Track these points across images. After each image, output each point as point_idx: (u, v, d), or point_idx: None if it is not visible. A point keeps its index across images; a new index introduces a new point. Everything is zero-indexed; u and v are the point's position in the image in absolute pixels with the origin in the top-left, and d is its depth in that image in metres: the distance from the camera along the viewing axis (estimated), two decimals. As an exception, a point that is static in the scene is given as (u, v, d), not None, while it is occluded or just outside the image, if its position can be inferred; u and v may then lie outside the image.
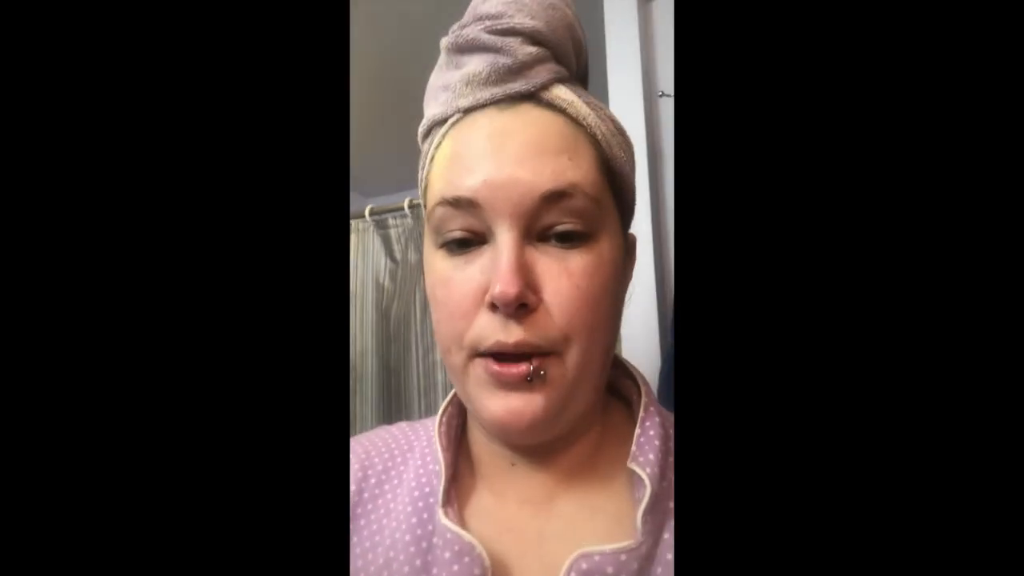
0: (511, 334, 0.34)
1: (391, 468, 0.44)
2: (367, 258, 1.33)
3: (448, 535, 0.36)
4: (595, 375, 0.38)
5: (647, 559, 0.34)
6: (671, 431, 0.40)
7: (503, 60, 0.36)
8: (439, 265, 0.37)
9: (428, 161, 0.40)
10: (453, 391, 0.44)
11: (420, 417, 1.22)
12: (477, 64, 0.37)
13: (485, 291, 0.34)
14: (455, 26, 0.39)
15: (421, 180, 0.42)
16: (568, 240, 0.35)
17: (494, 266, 0.34)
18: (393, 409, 1.23)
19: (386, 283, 1.30)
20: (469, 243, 0.36)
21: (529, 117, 0.36)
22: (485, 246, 0.36)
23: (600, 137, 0.38)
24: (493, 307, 0.34)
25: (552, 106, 0.37)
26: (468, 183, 0.35)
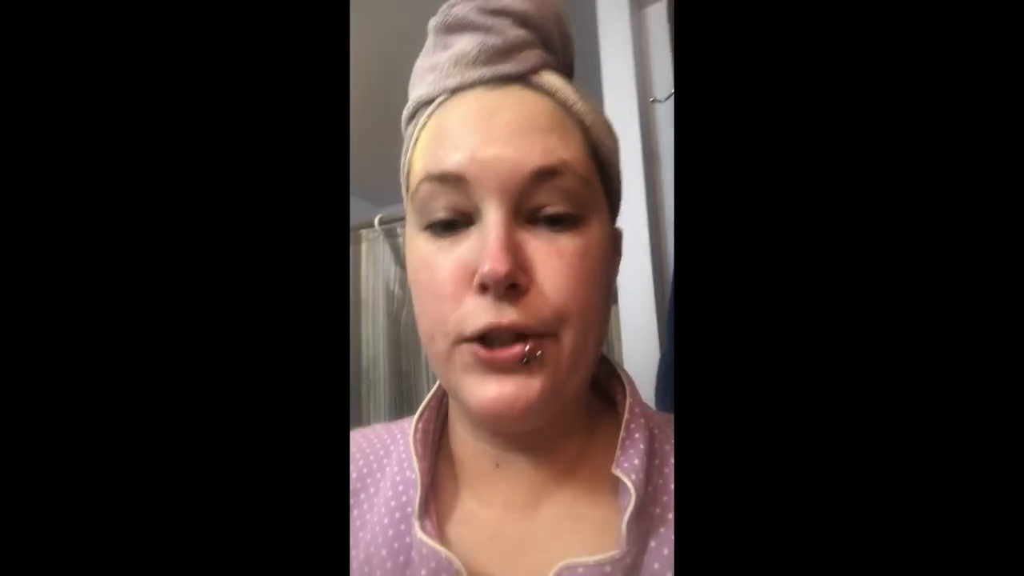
0: (504, 315, 0.32)
1: (367, 476, 0.41)
2: (377, 266, 1.37)
3: (424, 550, 0.34)
4: (588, 360, 0.36)
5: (632, 569, 0.33)
6: (656, 432, 0.39)
7: (492, 40, 0.35)
8: (422, 248, 0.35)
9: (412, 143, 0.38)
10: (431, 394, 0.42)
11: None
12: (466, 44, 0.36)
13: (472, 273, 0.32)
14: (444, 6, 0.38)
15: (404, 164, 0.40)
16: (558, 223, 0.34)
17: (482, 245, 0.32)
18: (405, 413, 1.26)
19: (396, 290, 1.34)
20: (455, 225, 0.34)
21: (518, 97, 0.35)
22: (472, 227, 0.34)
23: (588, 123, 0.37)
24: (482, 289, 0.32)
25: (541, 89, 0.36)
26: (454, 158, 0.33)
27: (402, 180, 0.40)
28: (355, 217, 1.42)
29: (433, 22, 0.38)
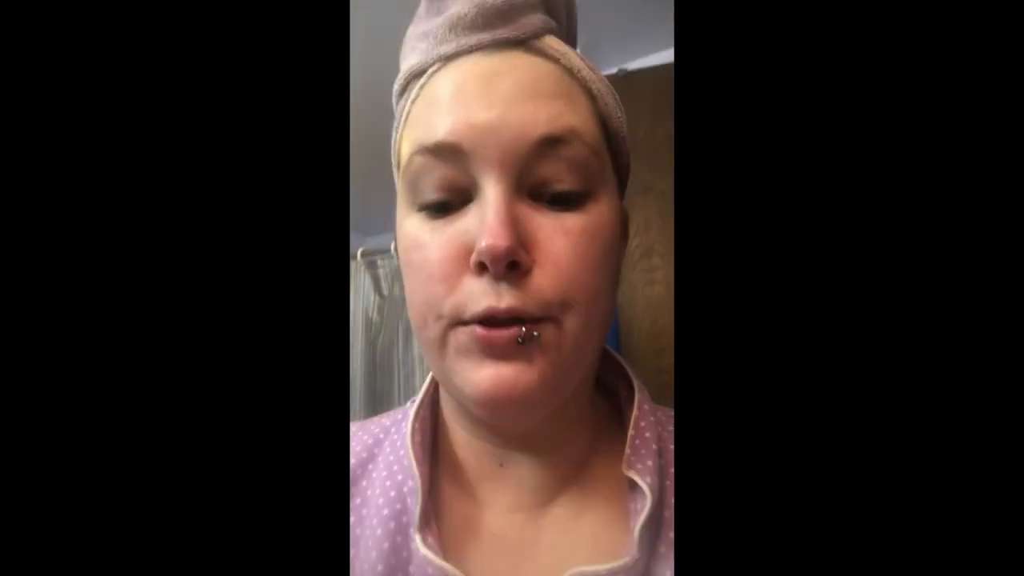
0: (502, 298, 0.29)
1: (351, 485, 0.38)
2: (358, 294, 1.47)
3: (429, 570, 0.31)
4: (593, 349, 0.33)
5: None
6: (660, 429, 0.36)
7: (491, 1, 0.32)
8: (415, 228, 0.32)
9: (403, 118, 0.35)
10: (423, 391, 0.39)
11: None
12: (462, 6, 0.33)
13: (469, 253, 0.29)
14: None
15: (394, 142, 0.36)
16: (564, 201, 0.31)
17: (480, 222, 0.29)
18: (377, 431, 1.36)
19: (374, 316, 1.44)
20: (450, 206, 0.31)
21: (520, 61, 0.32)
22: (469, 206, 0.31)
23: (596, 92, 0.34)
24: (480, 268, 0.29)
25: (544, 54, 0.33)
26: (449, 125, 0.30)
27: (393, 160, 0.37)
28: (340, 248, 1.54)
29: None
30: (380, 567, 0.33)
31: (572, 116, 0.31)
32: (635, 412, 0.36)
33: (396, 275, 1.42)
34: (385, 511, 0.34)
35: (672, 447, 0.36)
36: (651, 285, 1.00)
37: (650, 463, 0.33)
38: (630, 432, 0.35)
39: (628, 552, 0.31)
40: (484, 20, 0.32)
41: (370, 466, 0.38)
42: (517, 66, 0.32)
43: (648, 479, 0.32)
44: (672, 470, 0.35)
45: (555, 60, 0.33)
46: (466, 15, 0.32)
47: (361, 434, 0.41)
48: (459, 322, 0.30)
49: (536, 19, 0.33)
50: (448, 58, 0.33)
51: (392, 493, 0.35)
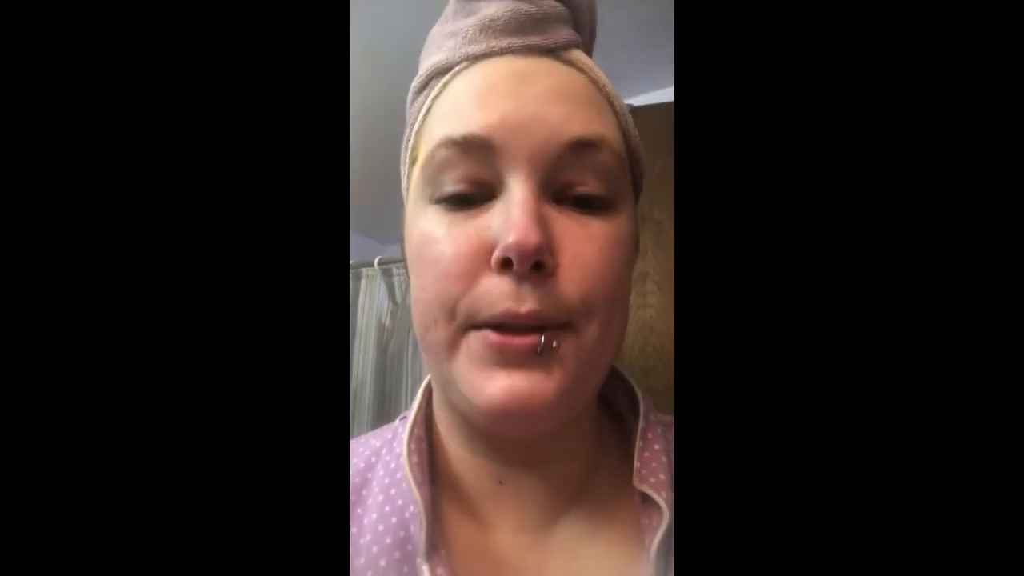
0: (523, 301, 0.28)
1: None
2: (373, 300, 1.56)
3: None
4: (607, 360, 0.32)
5: None
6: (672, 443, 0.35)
7: (526, 7, 0.32)
8: (432, 221, 0.31)
9: (422, 115, 0.34)
10: (415, 408, 0.37)
11: None
12: (496, 9, 0.33)
13: (489, 251, 0.28)
14: None
15: (409, 139, 0.36)
16: (589, 206, 0.30)
17: (504, 219, 0.28)
18: (384, 432, 1.44)
19: (387, 322, 1.52)
20: (471, 199, 0.30)
21: (551, 67, 0.32)
22: (492, 202, 0.30)
23: (618, 108, 0.34)
24: (502, 266, 0.28)
25: (573, 65, 0.33)
26: (482, 120, 0.30)
27: (404, 157, 0.36)
28: (361, 255, 1.63)
29: None
30: None
31: (602, 124, 0.31)
32: (641, 423, 0.35)
33: (409, 284, 1.50)
34: (388, 540, 0.32)
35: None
36: (644, 308, 1.07)
37: (663, 476, 0.32)
38: (638, 444, 0.34)
39: (644, 569, 0.30)
40: (517, 25, 0.32)
41: (364, 492, 0.36)
42: (550, 71, 0.32)
43: (663, 493, 0.32)
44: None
45: (583, 72, 0.33)
46: (499, 18, 0.32)
47: (351, 457, 0.39)
48: (472, 325, 0.29)
49: (565, 31, 0.34)
50: (476, 58, 0.33)
51: (393, 520, 0.33)
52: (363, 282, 1.59)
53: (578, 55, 0.34)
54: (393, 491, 0.34)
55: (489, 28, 0.32)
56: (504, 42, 0.32)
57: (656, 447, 0.34)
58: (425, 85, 0.35)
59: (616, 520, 0.34)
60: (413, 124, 0.35)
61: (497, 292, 0.28)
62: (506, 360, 0.28)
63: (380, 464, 0.37)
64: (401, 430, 0.37)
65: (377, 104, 1.57)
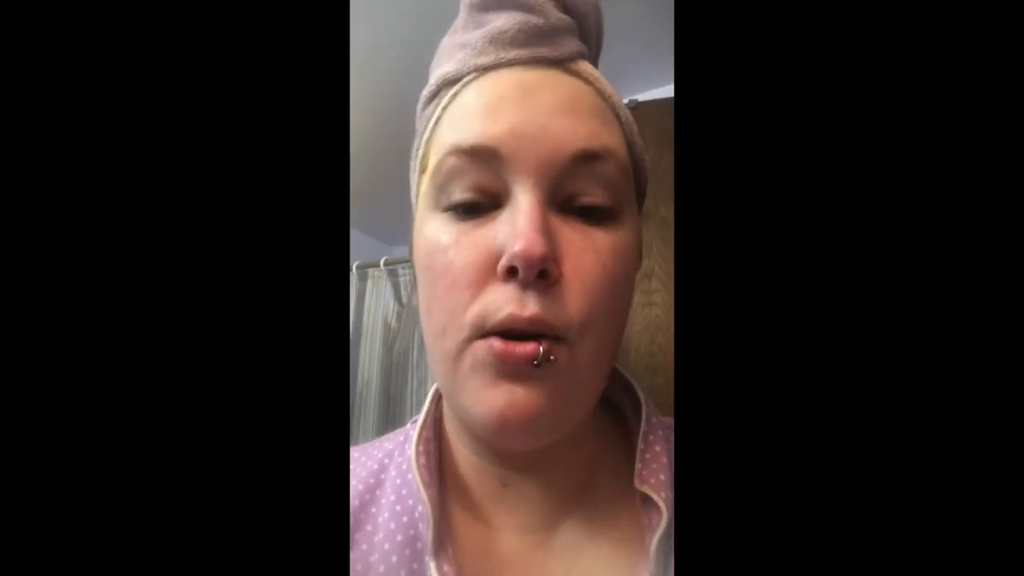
0: (526, 307, 0.28)
1: (359, 511, 0.36)
2: (379, 300, 1.56)
3: None
4: (603, 374, 0.33)
5: None
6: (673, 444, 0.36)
7: (534, 20, 0.33)
8: (441, 230, 0.31)
9: (431, 124, 0.35)
10: (425, 411, 0.39)
11: None
12: (504, 21, 0.33)
13: (496, 260, 0.29)
14: None
15: (418, 147, 0.36)
16: (593, 216, 0.31)
17: (510, 228, 0.29)
18: (392, 430, 1.44)
19: (392, 322, 1.53)
20: (478, 208, 0.31)
21: (558, 79, 0.33)
22: (499, 211, 0.31)
23: (624, 118, 0.35)
24: (508, 274, 0.29)
25: (580, 76, 0.34)
26: (491, 130, 0.30)
27: (413, 165, 0.37)
28: (367, 255, 1.63)
29: None
30: None
31: (607, 136, 0.32)
32: (643, 425, 0.36)
33: (415, 285, 1.50)
34: (399, 537, 0.34)
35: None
36: (649, 307, 1.06)
37: (663, 477, 0.33)
38: (639, 446, 0.35)
39: (645, 569, 0.31)
40: (525, 37, 0.33)
41: (378, 492, 0.37)
42: (557, 83, 0.33)
43: (663, 493, 0.32)
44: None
45: (590, 83, 0.34)
46: (508, 30, 0.33)
47: (364, 459, 0.40)
48: (480, 334, 0.30)
49: (572, 43, 0.34)
50: (486, 69, 0.33)
51: (404, 519, 0.34)
52: (369, 283, 1.59)
53: (584, 66, 0.34)
54: (404, 491, 0.36)
55: (498, 40, 0.33)
56: (512, 54, 0.33)
57: (657, 448, 0.35)
58: (435, 95, 0.35)
59: (619, 521, 0.34)
60: (423, 133, 0.36)
61: (502, 299, 0.29)
62: (507, 371, 0.29)
63: (392, 466, 0.38)
64: (412, 433, 0.38)
65: (383, 107, 1.57)
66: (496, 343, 0.29)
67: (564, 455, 0.35)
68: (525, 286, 0.29)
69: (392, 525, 0.34)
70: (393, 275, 1.56)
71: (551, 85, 0.32)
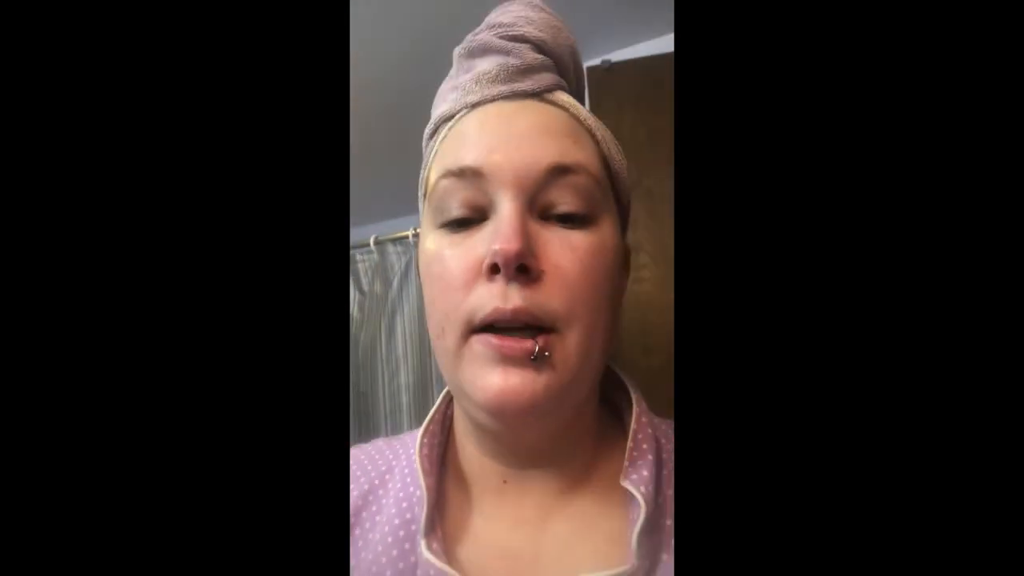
0: (509, 300, 0.32)
1: (368, 494, 0.41)
2: (337, 290, 1.44)
3: (432, 572, 0.34)
4: (594, 366, 0.36)
5: None
6: (664, 441, 0.38)
7: (513, 61, 0.38)
8: (437, 243, 0.36)
9: (432, 156, 0.40)
10: (435, 409, 0.42)
11: (387, 435, 1.31)
12: (488, 64, 0.39)
13: (482, 263, 0.33)
14: (468, 36, 0.41)
15: (423, 177, 0.41)
16: (570, 221, 0.35)
17: (492, 232, 0.33)
18: (362, 429, 1.34)
19: (355, 313, 1.41)
20: (469, 222, 0.35)
21: (535, 108, 0.37)
22: (486, 222, 0.35)
23: (600, 137, 0.39)
24: (492, 272, 0.33)
25: (555, 104, 0.38)
26: (473, 154, 0.35)
27: (420, 194, 0.42)
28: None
29: (458, 49, 0.41)
30: (389, 572, 0.35)
31: (579, 152, 0.36)
32: (633, 425, 0.38)
33: (376, 271, 1.39)
34: (396, 520, 0.38)
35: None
36: (639, 283, 1.00)
37: (645, 473, 0.35)
38: (628, 444, 0.37)
39: (629, 560, 0.33)
40: (506, 76, 0.38)
41: (387, 477, 0.42)
42: (534, 110, 0.37)
43: (642, 488, 0.34)
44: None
45: (564, 109, 0.39)
46: (490, 71, 0.38)
47: (384, 448, 0.45)
48: (472, 329, 0.33)
49: (549, 77, 0.39)
50: (474, 105, 0.39)
51: (404, 504, 0.38)
52: (324, 271, 1.47)
53: (560, 96, 0.39)
54: (409, 479, 0.39)
55: (483, 80, 0.38)
56: (495, 90, 0.38)
57: (644, 446, 0.37)
58: (435, 131, 0.41)
59: (611, 516, 0.36)
60: (426, 164, 0.41)
61: (487, 295, 0.32)
62: (503, 360, 0.32)
63: (404, 456, 0.42)
64: (422, 427, 0.41)
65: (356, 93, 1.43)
66: (492, 339, 0.32)
67: (564, 453, 0.38)
68: (508, 281, 0.32)
69: (393, 510, 0.38)
70: (352, 261, 1.44)
71: (527, 112, 0.37)
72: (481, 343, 0.33)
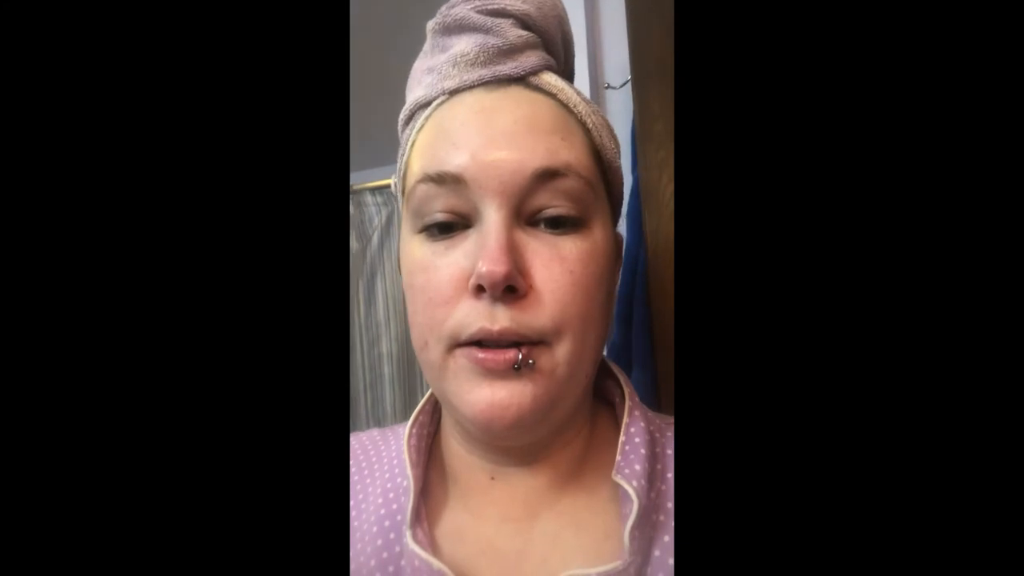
0: (496, 320, 0.31)
1: (356, 483, 0.40)
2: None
3: (416, 562, 0.33)
4: (585, 372, 0.35)
5: None
6: (658, 436, 0.37)
7: (493, 41, 0.34)
8: (418, 251, 0.34)
9: (408, 146, 0.37)
10: (425, 399, 0.41)
11: (366, 410, 1.24)
12: (465, 44, 0.35)
13: (468, 278, 0.31)
14: (442, 8, 0.36)
15: (400, 168, 0.39)
16: (560, 226, 0.33)
17: (480, 248, 0.31)
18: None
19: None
20: (452, 227, 0.33)
21: (519, 97, 0.34)
22: (469, 230, 0.33)
23: (591, 125, 0.36)
24: (478, 291, 0.31)
25: (542, 90, 0.35)
26: (454, 159, 0.32)
27: (396, 183, 0.40)
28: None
29: (431, 24, 0.37)
30: (373, 562, 0.35)
31: (568, 151, 0.33)
32: (625, 419, 0.37)
33: (352, 225, 1.24)
34: (383, 510, 0.37)
35: (670, 452, 0.36)
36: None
37: (637, 467, 0.34)
38: (620, 438, 0.36)
39: (621, 556, 0.32)
40: (486, 58, 0.35)
41: (376, 466, 0.41)
42: (517, 102, 0.34)
43: (635, 483, 0.33)
44: (669, 475, 0.35)
45: (552, 95, 0.35)
46: (468, 53, 0.35)
47: (376, 437, 0.44)
48: (457, 344, 0.32)
49: (535, 57, 0.36)
50: (452, 92, 0.35)
51: (391, 494, 0.37)
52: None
53: (548, 78, 0.36)
54: (397, 470, 0.39)
55: (461, 63, 0.35)
56: (475, 75, 0.35)
57: (636, 440, 0.35)
58: (410, 118, 0.38)
59: (600, 510, 0.35)
60: (403, 154, 0.39)
61: (474, 314, 0.31)
62: (489, 373, 0.31)
63: (395, 445, 0.42)
64: (411, 419, 0.40)
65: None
66: (476, 352, 0.31)
67: (553, 450, 0.37)
68: (494, 300, 0.31)
69: (380, 500, 0.38)
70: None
71: (511, 106, 0.34)
72: (466, 356, 0.32)
